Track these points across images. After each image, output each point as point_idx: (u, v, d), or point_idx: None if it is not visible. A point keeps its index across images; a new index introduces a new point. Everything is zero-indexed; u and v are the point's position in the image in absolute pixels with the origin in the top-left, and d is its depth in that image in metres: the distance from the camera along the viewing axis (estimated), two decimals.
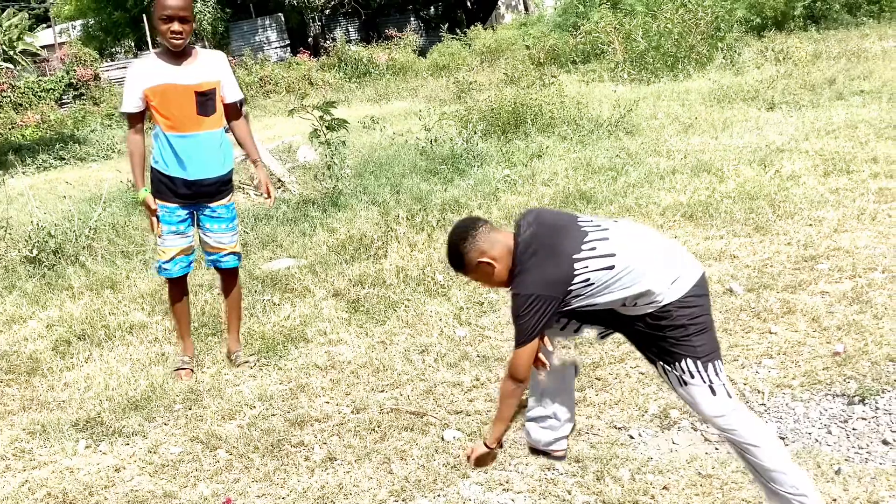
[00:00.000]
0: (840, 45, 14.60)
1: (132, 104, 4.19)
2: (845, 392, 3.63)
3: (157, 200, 4.27)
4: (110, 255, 6.87)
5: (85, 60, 22.82)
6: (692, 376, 2.59)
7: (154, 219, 4.31)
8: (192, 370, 4.55)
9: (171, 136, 4.16)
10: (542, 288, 2.54)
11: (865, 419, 3.42)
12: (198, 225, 4.41)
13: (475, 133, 9.51)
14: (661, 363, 2.66)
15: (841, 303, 4.48)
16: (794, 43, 14.43)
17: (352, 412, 3.98)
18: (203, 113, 4.17)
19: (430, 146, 9.36)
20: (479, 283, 2.85)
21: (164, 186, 4.25)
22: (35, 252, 6.75)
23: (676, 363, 2.60)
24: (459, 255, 2.68)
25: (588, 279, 2.54)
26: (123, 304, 5.77)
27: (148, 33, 24.16)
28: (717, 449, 3.37)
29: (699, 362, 2.57)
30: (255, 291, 5.73)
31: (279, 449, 3.71)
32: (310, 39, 30.21)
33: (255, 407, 4.13)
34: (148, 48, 24.34)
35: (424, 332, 4.79)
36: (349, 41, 27.09)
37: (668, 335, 2.59)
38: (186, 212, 4.32)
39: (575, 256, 2.54)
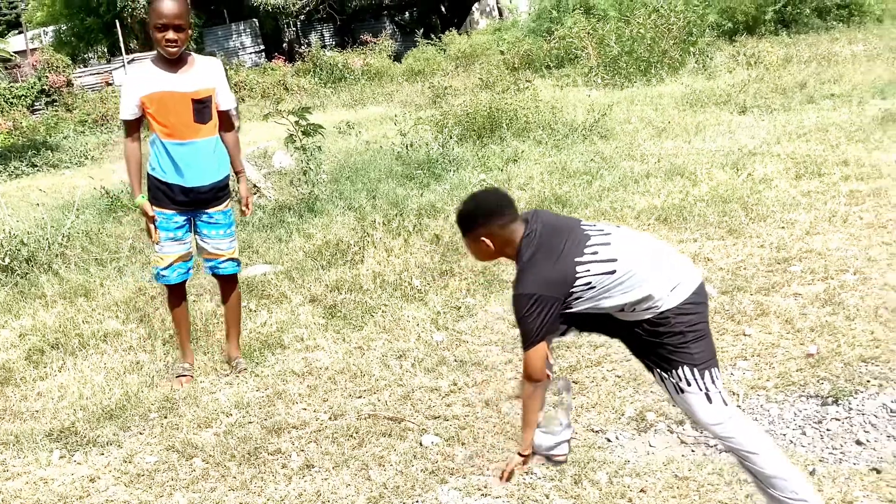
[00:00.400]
0: (810, 49, 14.79)
1: (129, 112, 4.18)
2: (819, 393, 3.67)
3: (154, 207, 4.26)
4: (84, 263, 6.80)
5: (57, 66, 22.60)
6: (689, 384, 2.61)
7: (151, 225, 4.29)
8: (192, 377, 4.53)
9: (168, 144, 4.15)
10: (544, 288, 2.55)
11: (839, 420, 3.46)
12: (195, 231, 4.39)
13: (451, 138, 9.52)
14: (659, 370, 2.68)
15: (814, 304, 4.53)
16: (766, 47, 14.59)
17: (329, 418, 3.97)
18: (200, 120, 4.16)
19: (406, 151, 9.37)
20: (472, 255, 2.88)
21: (161, 193, 4.24)
22: (7, 260, 6.66)
23: (673, 371, 2.62)
24: (470, 225, 2.72)
25: (589, 282, 2.57)
26: (97, 312, 5.72)
27: (121, 39, 23.98)
28: (693, 451, 3.40)
29: (696, 370, 2.59)
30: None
31: (256, 457, 3.69)
32: (285, 44, 30.12)
33: (231, 415, 4.11)
34: (121, 54, 24.17)
35: (402, 338, 4.79)
36: (324, 46, 27.04)
37: (665, 342, 2.61)
38: (184, 218, 4.30)
39: (577, 259, 2.57)
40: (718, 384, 2.62)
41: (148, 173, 4.28)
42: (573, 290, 2.57)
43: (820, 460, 3.20)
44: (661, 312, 2.59)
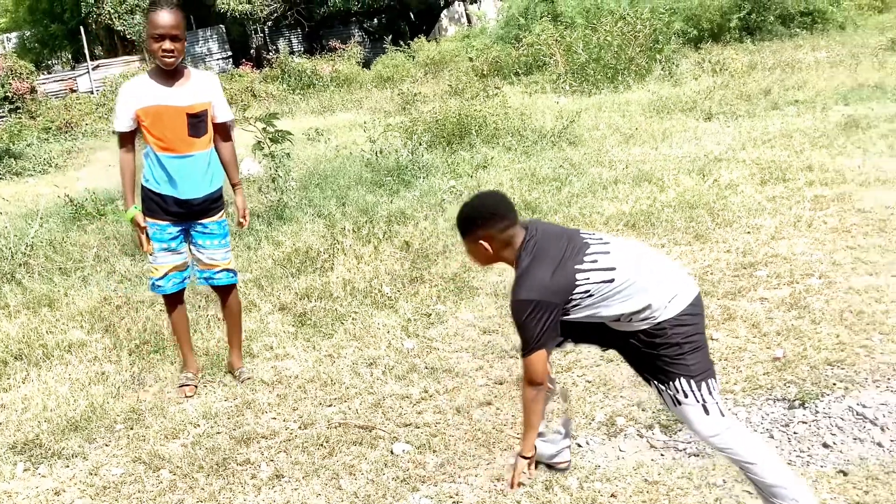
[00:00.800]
0: (775, 56, 15.02)
1: (124, 124, 4.15)
2: (786, 396, 3.71)
3: (147, 218, 4.23)
4: (47, 273, 6.69)
5: (21, 73, 22.25)
6: (686, 395, 2.62)
7: (143, 236, 4.26)
8: (195, 386, 4.47)
9: (162, 157, 4.12)
10: (543, 294, 2.56)
11: (806, 423, 3.50)
12: (190, 242, 4.36)
13: (420, 144, 9.52)
14: (656, 382, 2.70)
15: (780, 308, 4.59)
16: (731, 54, 14.79)
17: (299, 427, 3.94)
18: (194, 134, 4.14)
19: (376, 158, 9.35)
20: (466, 253, 2.88)
21: (155, 204, 4.21)
22: None
23: (670, 382, 2.63)
24: (469, 226, 2.72)
25: (588, 290, 2.58)
26: (62, 322, 5.63)
27: (86, 45, 23.71)
28: (662, 455, 3.41)
29: (693, 381, 2.60)
30: (199, 307, 5.64)
31: (224, 467, 3.64)
32: (252, 51, 29.97)
33: (199, 425, 4.06)
34: (85, 60, 23.90)
35: (372, 345, 4.77)
36: (292, 53, 26.95)
37: (661, 353, 2.62)
38: (178, 229, 4.27)
39: (577, 267, 2.58)
40: (716, 395, 2.64)
41: (142, 184, 4.26)
42: (572, 297, 2.59)
43: (788, 463, 3.23)
44: (658, 323, 2.61)
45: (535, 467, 2.89)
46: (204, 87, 4.20)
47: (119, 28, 25.04)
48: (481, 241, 2.70)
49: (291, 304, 5.50)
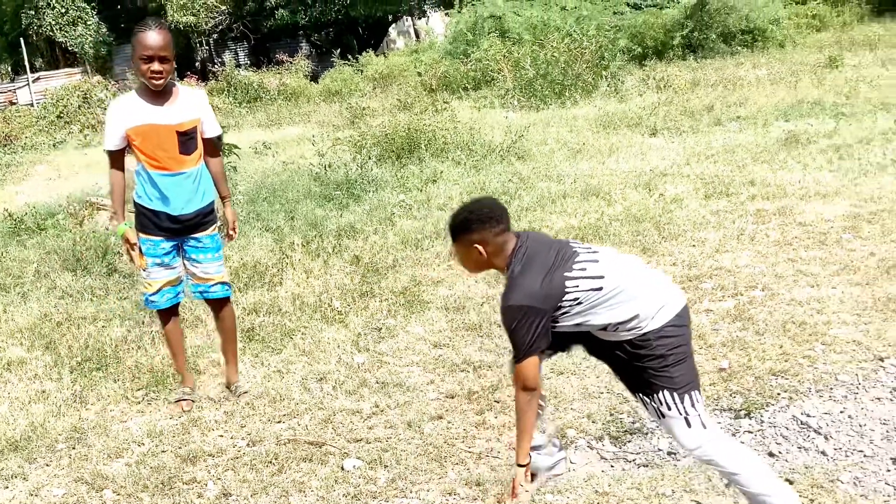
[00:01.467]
0: (717, 73, 15.36)
1: (113, 143, 4.10)
2: (732, 406, 3.77)
3: (140, 234, 4.18)
4: None
5: None
6: (669, 408, 2.64)
7: (134, 252, 4.19)
8: (192, 401, 4.37)
9: (153, 174, 4.07)
10: (533, 300, 2.59)
11: (752, 432, 3.55)
12: (184, 257, 4.29)
13: (370, 158, 9.50)
14: (640, 394, 2.72)
15: (724, 320, 4.67)
16: (674, 71, 15.09)
17: (247, 445, 3.87)
18: (185, 152, 4.10)
19: (325, 172, 9.30)
20: (456, 258, 2.89)
21: (148, 220, 4.15)
22: None
23: (654, 395, 2.66)
24: (463, 230, 2.74)
25: (577, 298, 2.62)
26: (0, 339, 5.46)
27: (25, 58, 23.19)
28: (612, 467, 3.44)
29: (675, 394, 2.63)
30: (143, 323, 5.52)
31: (170, 486, 3.56)
32: (197, 63, 29.64)
33: (143, 444, 3.97)
34: (25, 72, 23.37)
35: (322, 360, 4.72)
36: (238, 66, 26.70)
37: (646, 365, 2.65)
38: (171, 244, 4.21)
39: (566, 274, 2.62)
40: (699, 407, 2.66)
41: (134, 200, 4.22)
42: (562, 304, 2.62)
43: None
44: (644, 334, 2.63)
45: (532, 479, 2.90)
46: (193, 104, 4.16)
47: (60, 40, 24.56)
48: (476, 245, 2.72)
49: (239, 320, 5.41)
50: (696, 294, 5.05)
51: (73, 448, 4.00)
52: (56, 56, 25.60)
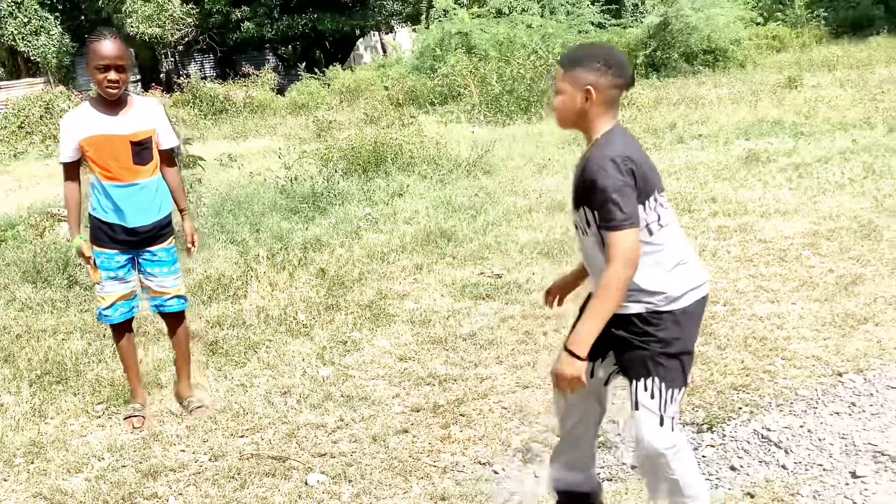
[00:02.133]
0: (679, 91, 15.59)
1: (67, 155, 4.05)
2: (694, 421, 3.81)
3: (95, 247, 4.11)
4: None
5: None
6: (652, 397, 2.51)
7: (90, 266, 4.13)
8: (144, 417, 4.28)
9: (108, 186, 4.02)
10: (631, 153, 2.39)
11: (714, 446, 3.59)
12: (139, 270, 4.22)
13: (336, 171, 9.48)
14: (631, 377, 2.56)
15: None
16: (637, 89, 15.26)
17: (209, 460, 3.83)
18: (140, 162, 4.04)
19: (291, 184, 9.26)
20: (551, 101, 2.59)
21: (103, 233, 4.09)
22: None
23: (642, 380, 2.51)
24: (586, 63, 2.45)
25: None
26: None
27: None
28: None
29: (664, 385, 2.50)
30: (104, 336, 5.44)
31: (131, 502, 3.51)
32: (162, 75, 29.40)
33: (103, 458, 3.90)
34: None
35: (286, 374, 4.69)
36: (204, 78, 26.52)
37: (650, 346, 2.49)
38: (126, 258, 4.15)
39: (651, 195, 2.45)
40: (675, 408, 2.54)
41: (89, 213, 4.16)
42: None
43: None
44: (660, 312, 2.47)
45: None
46: (147, 114, 4.12)
47: (23, 49, 24.22)
48: (588, 87, 2.45)
49: (202, 333, 5.37)
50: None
51: (32, 463, 3.92)
52: (18, 65, 25.25)
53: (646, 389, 2.53)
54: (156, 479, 3.68)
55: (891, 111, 11.29)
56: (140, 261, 4.21)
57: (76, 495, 3.58)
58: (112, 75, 3.90)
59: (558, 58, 2.54)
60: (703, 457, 3.52)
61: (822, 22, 25.78)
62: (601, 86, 2.44)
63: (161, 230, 4.20)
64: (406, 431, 3.92)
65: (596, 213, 2.41)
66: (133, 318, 4.36)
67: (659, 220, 2.49)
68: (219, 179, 10.55)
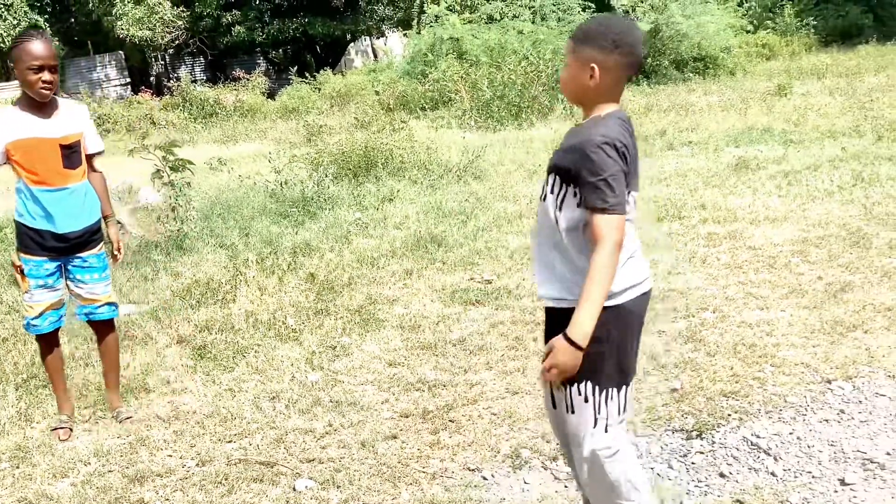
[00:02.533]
0: (669, 98, 15.65)
1: None
2: (684, 427, 3.80)
3: (23, 254, 4.02)
4: None
5: None
6: (586, 400, 2.43)
7: (19, 275, 4.04)
8: (70, 429, 4.22)
9: (36, 191, 3.94)
10: (622, 138, 2.34)
11: (703, 453, 3.59)
12: (68, 278, 4.15)
13: (326, 176, 9.46)
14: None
15: (676, 341, 4.72)
16: (628, 96, 15.32)
17: (197, 465, 3.80)
18: (69, 166, 3.98)
19: (281, 189, 9.24)
20: (565, 64, 2.49)
21: (31, 240, 4.01)
22: None
23: (573, 384, 2.43)
24: (598, 41, 2.36)
25: None
26: None
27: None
28: (566, 487, 3.44)
29: (597, 388, 2.42)
30: (92, 339, 5.39)
31: None
32: (152, 78, 29.32)
33: (90, 463, 3.87)
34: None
35: (275, 378, 4.66)
36: (195, 81, 26.44)
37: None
38: (55, 265, 4.07)
39: (630, 191, 2.42)
40: (612, 408, 2.46)
41: (15, 220, 4.06)
42: None
43: (686, 493, 3.31)
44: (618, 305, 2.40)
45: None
46: (75, 117, 4.05)
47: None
48: (594, 65, 2.38)
49: (190, 337, 5.34)
50: (648, 315, 5.09)
51: (17, 467, 3.88)
52: (7, 68, 25.11)
53: (580, 393, 2.46)
54: (142, 485, 3.65)
55: (879, 119, 11.36)
56: (69, 268, 4.12)
57: (62, 500, 3.55)
58: (46, 76, 3.83)
59: (572, 32, 2.47)
60: (693, 463, 3.52)
61: (812, 30, 25.94)
62: (607, 65, 2.37)
63: (91, 236, 4.12)
64: (395, 437, 3.91)
65: (582, 190, 2.35)
66: (60, 327, 4.27)
67: (627, 215, 2.44)
68: (208, 183, 10.51)
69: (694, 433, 3.74)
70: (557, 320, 2.43)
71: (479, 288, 5.87)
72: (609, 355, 2.41)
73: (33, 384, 4.76)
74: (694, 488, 3.34)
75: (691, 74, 19.69)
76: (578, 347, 2.30)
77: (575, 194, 2.39)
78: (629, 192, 2.42)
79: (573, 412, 2.48)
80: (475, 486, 3.46)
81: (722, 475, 3.41)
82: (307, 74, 24.60)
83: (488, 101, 15.17)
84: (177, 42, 28.03)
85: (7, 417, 4.38)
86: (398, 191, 9.14)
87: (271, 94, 24.11)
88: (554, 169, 2.48)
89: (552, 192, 2.47)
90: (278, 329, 5.35)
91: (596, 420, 2.47)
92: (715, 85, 17.98)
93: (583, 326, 2.30)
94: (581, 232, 2.40)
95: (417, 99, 17.99)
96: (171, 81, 24.70)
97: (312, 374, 4.68)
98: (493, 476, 3.54)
